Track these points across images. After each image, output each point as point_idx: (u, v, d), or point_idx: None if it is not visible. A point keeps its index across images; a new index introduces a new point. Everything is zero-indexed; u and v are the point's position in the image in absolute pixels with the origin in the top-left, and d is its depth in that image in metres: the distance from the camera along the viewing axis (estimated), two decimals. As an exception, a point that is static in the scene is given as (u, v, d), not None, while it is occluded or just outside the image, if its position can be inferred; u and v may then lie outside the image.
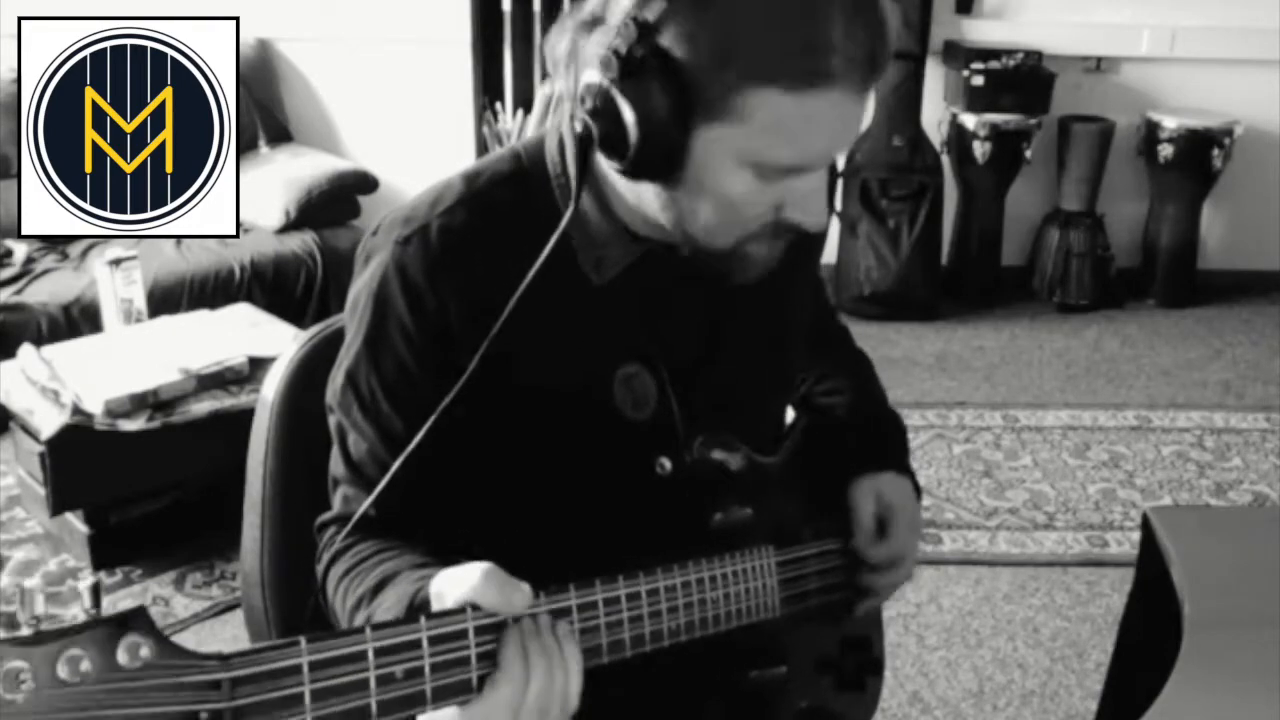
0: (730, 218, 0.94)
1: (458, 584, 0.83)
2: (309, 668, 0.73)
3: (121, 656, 0.66)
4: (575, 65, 0.93)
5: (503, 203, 1.01)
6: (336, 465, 1.05)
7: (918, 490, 1.23)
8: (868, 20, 0.85)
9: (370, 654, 0.75)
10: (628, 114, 0.88)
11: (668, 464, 1.07)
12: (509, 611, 0.82)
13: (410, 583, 0.91)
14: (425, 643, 0.78)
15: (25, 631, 0.66)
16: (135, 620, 0.67)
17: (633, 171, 0.92)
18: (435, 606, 0.84)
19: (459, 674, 0.79)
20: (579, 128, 0.92)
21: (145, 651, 0.67)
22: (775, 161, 0.89)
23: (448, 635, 0.79)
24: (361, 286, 1.01)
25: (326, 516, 1.06)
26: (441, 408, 0.95)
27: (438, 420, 0.97)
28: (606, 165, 0.96)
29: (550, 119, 0.99)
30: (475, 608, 0.81)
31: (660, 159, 0.90)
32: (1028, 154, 4.20)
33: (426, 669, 0.78)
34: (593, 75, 0.89)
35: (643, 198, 0.96)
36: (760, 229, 0.95)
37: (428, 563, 0.96)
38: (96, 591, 0.69)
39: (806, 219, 0.94)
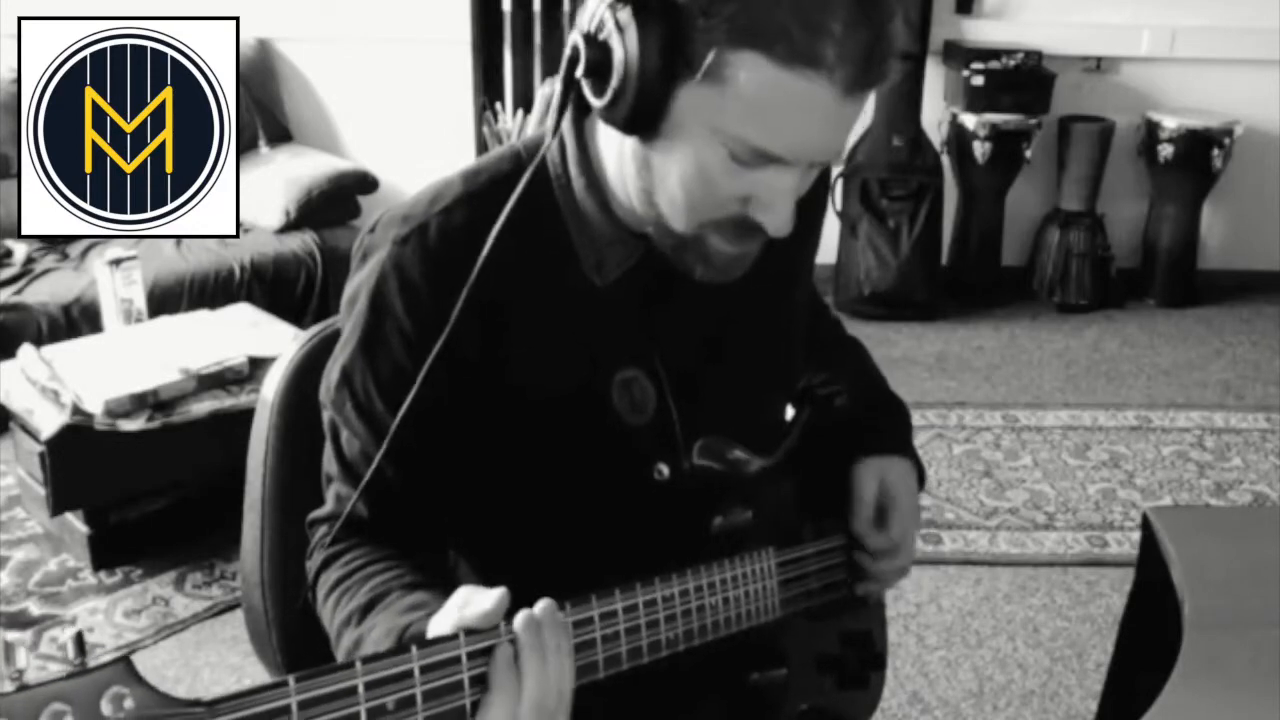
0: (696, 193, 0.91)
1: (446, 617, 0.83)
2: (298, 707, 0.72)
3: (106, 708, 0.65)
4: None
5: (503, 202, 0.98)
6: (329, 463, 1.04)
7: (922, 475, 1.22)
8: (873, 23, 0.84)
9: (361, 688, 0.75)
10: (617, 47, 0.86)
11: (666, 470, 1.06)
12: (492, 621, 0.81)
13: (399, 613, 0.90)
14: (417, 672, 0.77)
15: (8, 686, 0.64)
16: (119, 671, 0.67)
17: (610, 111, 0.89)
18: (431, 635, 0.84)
19: (452, 700, 0.79)
20: (569, 50, 0.90)
21: (129, 703, 0.66)
22: (748, 140, 0.87)
23: (440, 663, 0.78)
24: (359, 284, 1.00)
25: (319, 513, 1.06)
26: (414, 394, 0.94)
27: (434, 421, 0.97)
28: (603, 143, 0.96)
29: (549, 118, 0.98)
30: (470, 632, 0.80)
31: (638, 102, 0.87)
32: (1028, 154, 4.20)
33: (419, 698, 0.77)
34: (597, 3, 0.88)
35: (625, 162, 0.95)
36: (724, 219, 0.92)
37: (418, 582, 0.95)
38: (80, 641, 0.67)
39: (770, 221, 0.92)
